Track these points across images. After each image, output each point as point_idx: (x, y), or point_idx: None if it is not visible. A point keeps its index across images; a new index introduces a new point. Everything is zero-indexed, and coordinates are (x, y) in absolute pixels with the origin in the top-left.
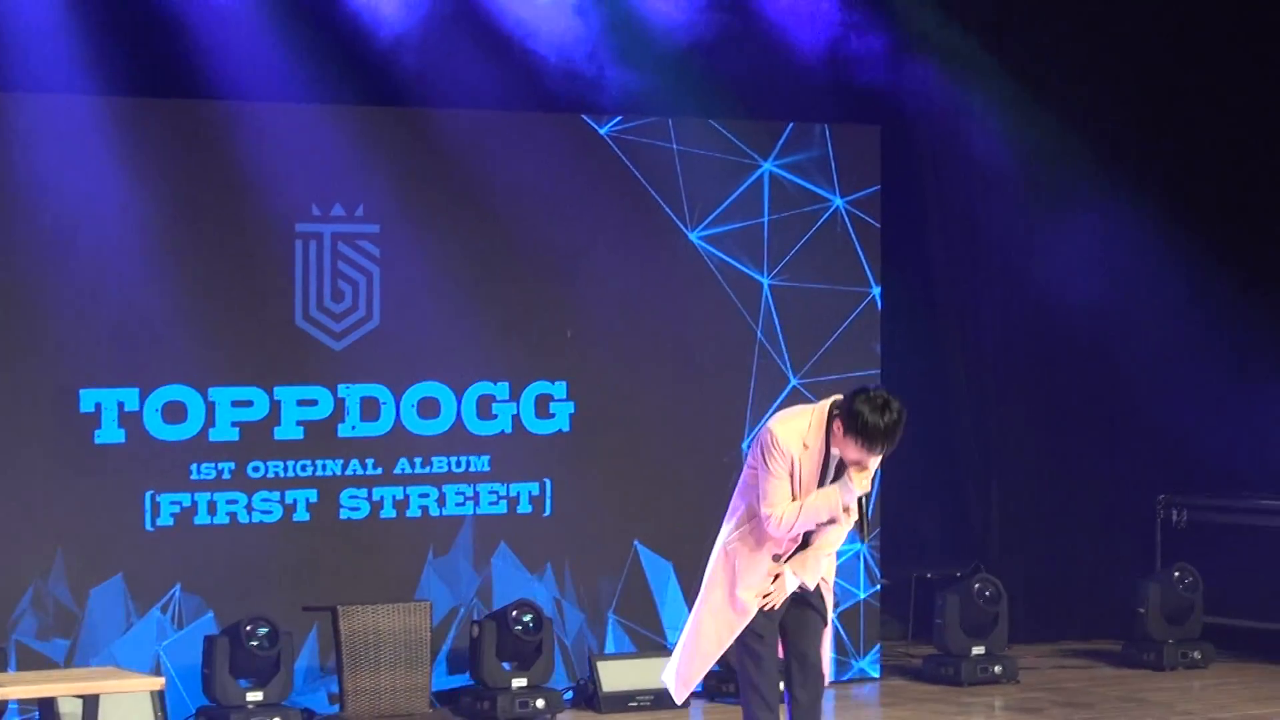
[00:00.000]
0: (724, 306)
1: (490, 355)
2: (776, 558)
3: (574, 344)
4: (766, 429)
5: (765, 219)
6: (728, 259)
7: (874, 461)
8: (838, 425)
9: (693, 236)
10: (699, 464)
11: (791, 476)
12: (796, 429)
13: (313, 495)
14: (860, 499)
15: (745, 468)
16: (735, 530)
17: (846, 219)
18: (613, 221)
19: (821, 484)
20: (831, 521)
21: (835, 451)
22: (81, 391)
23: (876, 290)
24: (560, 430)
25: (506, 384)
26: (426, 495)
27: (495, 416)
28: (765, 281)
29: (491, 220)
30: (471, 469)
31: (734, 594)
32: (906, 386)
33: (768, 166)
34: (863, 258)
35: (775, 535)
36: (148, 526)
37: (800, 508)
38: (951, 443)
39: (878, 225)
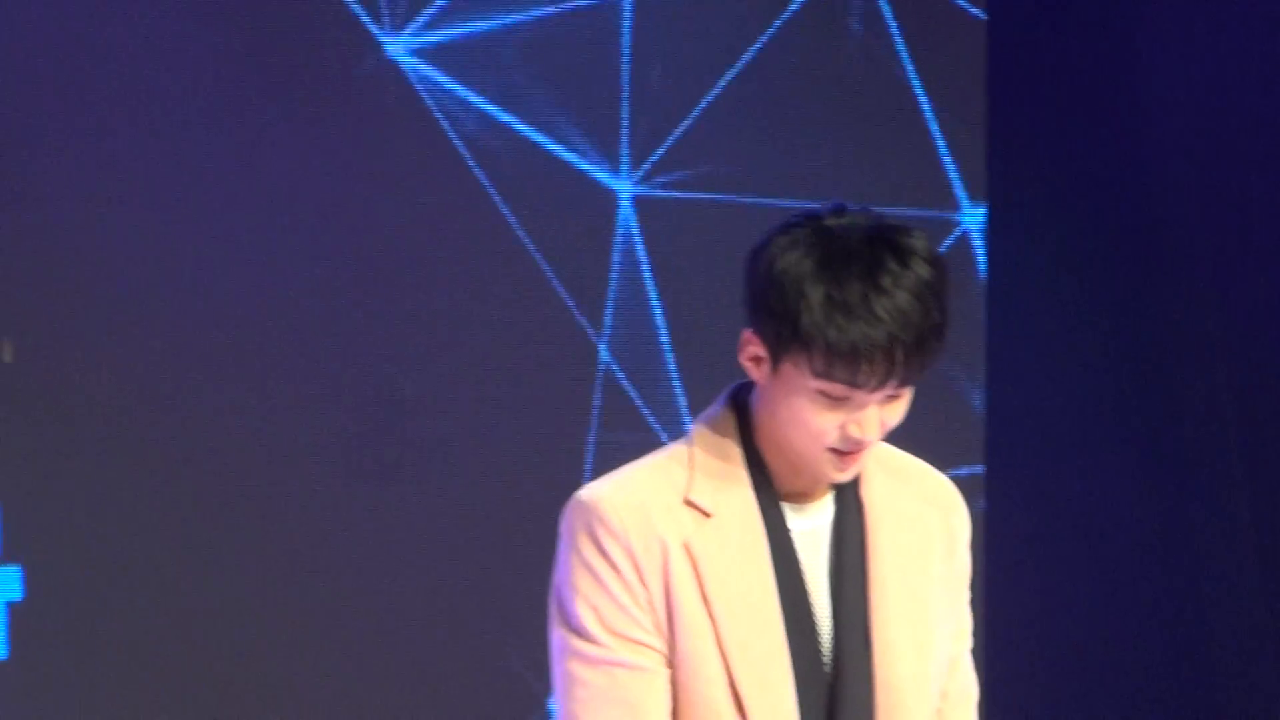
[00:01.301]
0: (496, 265)
1: None
2: None
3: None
4: (575, 507)
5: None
6: (508, 120)
7: (895, 411)
8: (755, 355)
9: (393, 49)
10: None
11: (674, 617)
12: (651, 485)
13: None
14: None
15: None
16: None
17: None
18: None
19: (797, 610)
20: None
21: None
22: None
23: (973, 216)
24: None
25: None
26: None
27: None
28: (627, 189)
29: None
30: None
31: None
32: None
33: None
34: (932, 121)
35: None
36: None
37: None
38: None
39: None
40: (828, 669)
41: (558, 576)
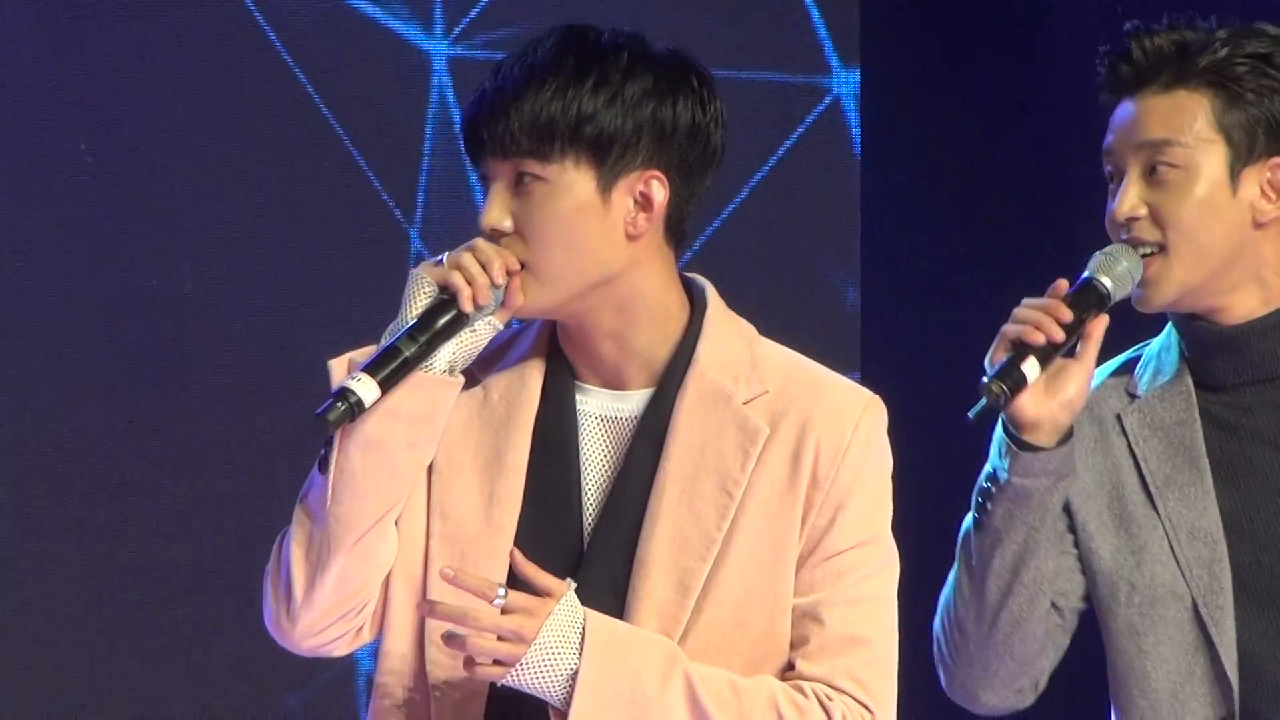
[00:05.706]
0: (291, 140)
1: None
2: None
3: None
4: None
5: None
6: None
7: None
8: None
9: None
10: None
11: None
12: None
13: None
14: None
15: None
16: None
17: None
18: None
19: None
20: None
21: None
22: None
23: (846, 81)
24: None
25: None
26: None
27: None
28: (441, 50)
29: None
30: None
31: None
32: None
33: None
34: None
35: None
36: None
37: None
38: None
39: None
40: (578, 560)
41: None
